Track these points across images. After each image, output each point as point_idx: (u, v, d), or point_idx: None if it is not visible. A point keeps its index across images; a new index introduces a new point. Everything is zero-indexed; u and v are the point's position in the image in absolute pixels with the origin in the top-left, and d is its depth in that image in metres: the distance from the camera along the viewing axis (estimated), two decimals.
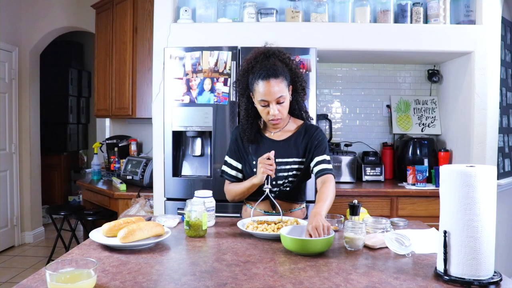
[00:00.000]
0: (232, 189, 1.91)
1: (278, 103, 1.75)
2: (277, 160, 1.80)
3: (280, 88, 1.73)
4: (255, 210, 1.89)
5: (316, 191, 1.83)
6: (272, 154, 1.71)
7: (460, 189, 1.11)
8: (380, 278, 1.17)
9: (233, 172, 1.93)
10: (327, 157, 1.82)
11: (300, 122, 1.93)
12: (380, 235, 1.48)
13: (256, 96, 1.77)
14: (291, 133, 1.88)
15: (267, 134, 1.90)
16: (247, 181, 1.83)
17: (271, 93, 1.72)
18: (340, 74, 3.56)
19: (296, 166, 1.84)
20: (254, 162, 1.83)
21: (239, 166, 1.92)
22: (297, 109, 1.92)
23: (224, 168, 1.95)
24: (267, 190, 1.72)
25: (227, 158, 1.95)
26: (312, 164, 1.83)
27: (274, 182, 1.82)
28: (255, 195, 1.83)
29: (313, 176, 1.87)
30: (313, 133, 1.85)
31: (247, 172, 1.89)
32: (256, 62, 1.78)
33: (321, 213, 1.54)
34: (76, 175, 5.98)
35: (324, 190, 1.69)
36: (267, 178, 1.71)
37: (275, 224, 1.65)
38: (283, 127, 1.88)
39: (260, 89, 1.73)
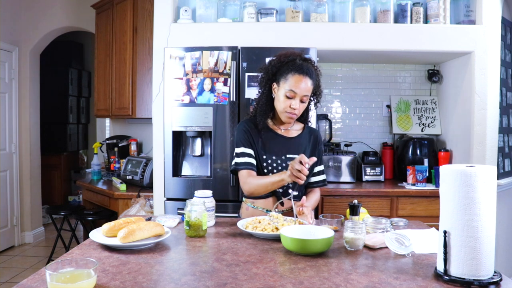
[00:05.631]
0: (254, 181, 1.82)
1: (302, 101, 1.81)
2: (288, 155, 1.88)
3: (309, 89, 1.81)
4: (257, 209, 1.90)
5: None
6: (312, 161, 1.66)
7: (460, 189, 1.11)
8: (380, 278, 1.17)
9: (248, 160, 1.86)
10: (323, 167, 2.03)
11: (302, 124, 2.01)
12: (380, 235, 1.48)
13: (285, 86, 1.80)
14: (298, 132, 1.96)
15: (278, 131, 1.93)
16: (275, 175, 1.77)
17: (302, 88, 1.78)
18: (340, 74, 3.56)
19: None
20: (264, 157, 1.86)
21: (252, 152, 1.88)
22: (304, 115, 1.99)
23: (237, 160, 1.88)
24: (292, 197, 1.74)
25: (239, 150, 1.88)
26: (312, 171, 1.96)
27: None
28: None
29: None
30: (318, 137, 1.99)
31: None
32: (295, 58, 1.83)
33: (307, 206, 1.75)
34: (76, 175, 5.98)
35: (316, 198, 1.97)
36: (294, 183, 1.75)
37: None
38: (291, 126, 1.95)
39: (294, 80, 1.78)
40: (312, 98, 1.91)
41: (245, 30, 2.83)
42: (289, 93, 1.79)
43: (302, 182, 1.64)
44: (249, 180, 1.83)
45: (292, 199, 1.73)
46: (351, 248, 1.42)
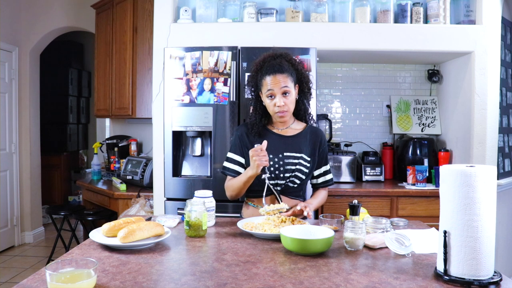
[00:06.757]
0: (230, 185, 1.93)
1: (284, 94, 1.84)
2: (285, 153, 1.89)
3: (285, 81, 1.83)
4: (258, 208, 1.91)
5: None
6: (264, 145, 1.76)
7: (460, 189, 1.11)
8: (380, 278, 1.17)
9: (235, 167, 1.94)
10: (329, 167, 2.04)
11: (304, 124, 2.01)
12: (380, 235, 1.48)
13: (264, 90, 1.87)
14: (298, 131, 1.96)
15: (274, 130, 1.95)
16: (242, 175, 1.87)
17: (277, 84, 1.82)
18: (340, 74, 3.56)
19: (304, 163, 1.90)
20: None
21: (242, 160, 1.94)
22: (302, 109, 1.99)
23: (226, 164, 1.97)
24: (266, 179, 1.78)
25: (229, 154, 1.97)
26: (318, 172, 1.99)
27: (281, 175, 1.87)
28: (255, 191, 1.89)
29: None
30: (322, 138, 1.98)
31: None
32: (264, 62, 1.90)
33: (312, 203, 1.90)
34: (76, 175, 5.98)
35: (323, 196, 2.03)
36: (263, 168, 1.76)
37: (287, 219, 1.68)
38: (289, 125, 1.95)
39: (267, 82, 1.84)
40: (303, 88, 1.92)
41: (245, 30, 2.83)
42: (269, 93, 1.85)
43: (266, 163, 1.74)
44: (228, 184, 1.95)
45: (266, 181, 1.78)
46: (351, 248, 1.42)
